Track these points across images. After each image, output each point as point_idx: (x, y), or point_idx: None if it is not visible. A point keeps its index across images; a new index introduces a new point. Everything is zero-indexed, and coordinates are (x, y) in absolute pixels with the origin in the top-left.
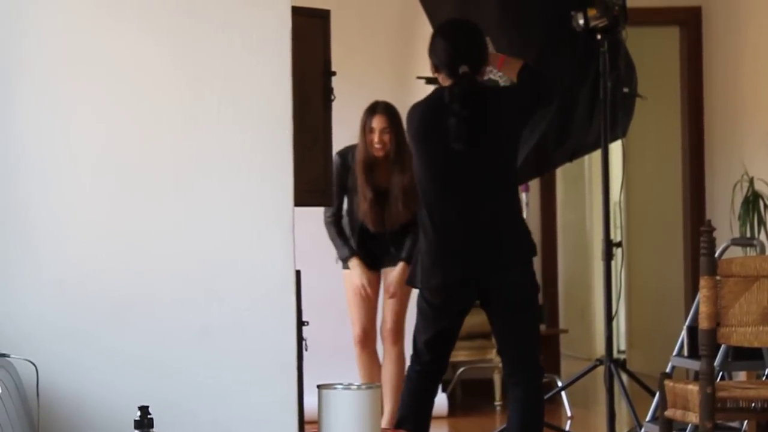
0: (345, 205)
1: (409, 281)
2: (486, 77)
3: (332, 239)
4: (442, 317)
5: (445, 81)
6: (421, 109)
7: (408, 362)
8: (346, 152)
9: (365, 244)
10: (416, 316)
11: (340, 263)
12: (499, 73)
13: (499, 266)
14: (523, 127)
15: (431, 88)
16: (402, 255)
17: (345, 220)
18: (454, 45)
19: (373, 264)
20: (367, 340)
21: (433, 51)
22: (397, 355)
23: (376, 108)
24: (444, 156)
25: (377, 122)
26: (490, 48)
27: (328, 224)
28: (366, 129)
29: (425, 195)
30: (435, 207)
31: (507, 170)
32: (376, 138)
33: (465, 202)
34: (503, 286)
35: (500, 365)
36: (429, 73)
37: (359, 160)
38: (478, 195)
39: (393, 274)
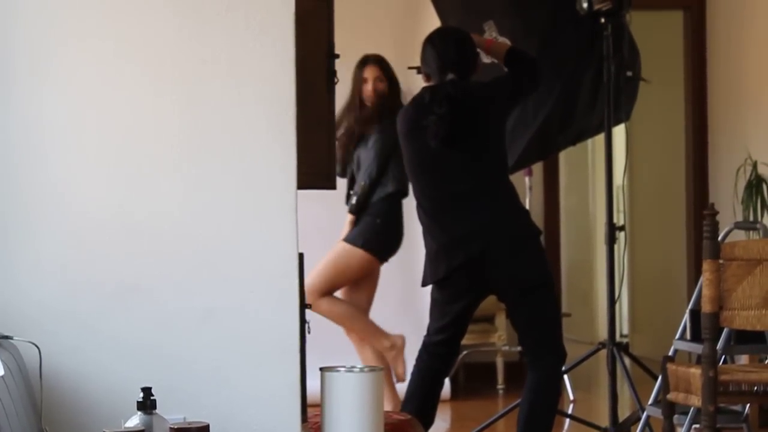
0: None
1: (423, 283)
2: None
3: None
4: (454, 305)
5: None
6: (407, 108)
7: (408, 341)
8: None
9: None
10: (429, 305)
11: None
12: (488, 61)
13: (502, 249)
14: (505, 118)
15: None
16: (347, 235)
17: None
18: (443, 54)
19: None
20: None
21: (423, 59)
22: (324, 314)
23: (367, 60)
24: (428, 152)
25: (369, 72)
26: (493, 33)
27: None
28: (358, 81)
29: (417, 192)
30: (427, 202)
31: (495, 161)
32: (369, 88)
33: (455, 194)
34: (513, 275)
35: (503, 349)
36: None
37: (346, 107)
38: (467, 187)
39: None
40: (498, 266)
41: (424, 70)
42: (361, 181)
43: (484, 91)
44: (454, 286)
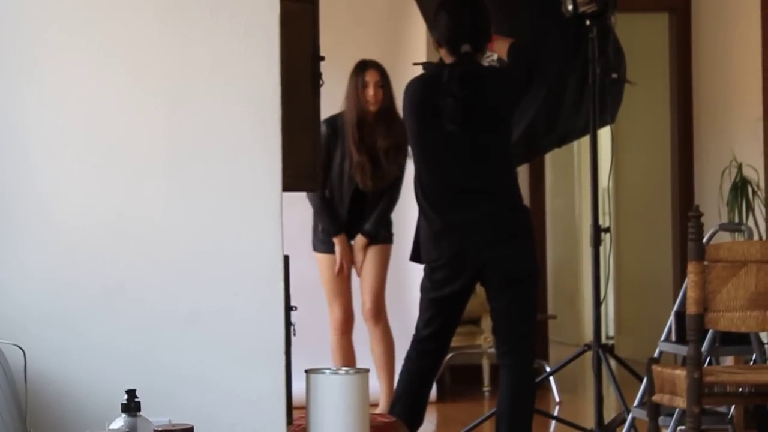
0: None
1: (412, 257)
2: (485, 62)
3: (319, 213)
4: (442, 293)
5: (446, 57)
6: (417, 86)
7: (395, 340)
8: (335, 119)
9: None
10: (420, 296)
11: (311, 246)
12: (495, 56)
13: (494, 240)
14: (516, 107)
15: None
16: (365, 226)
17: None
18: (457, 22)
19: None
20: (348, 324)
21: (435, 26)
22: (381, 334)
23: (367, 64)
24: (439, 135)
25: (371, 76)
26: None
27: (313, 196)
28: (358, 85)
29: (420, 172)
30: (431, 184)
31: (502, 150)
32: (371, 92)
33: (460, 179)
34: (501, 259)
35: (489, 351)
36: (421, 59)
37: (351, 119)
38: (472, 173)
39: (357, 248)
40: (487, 254)
41: (435, 37)
42: (376, 220)
43: (501, 76)
44: (442, 271)
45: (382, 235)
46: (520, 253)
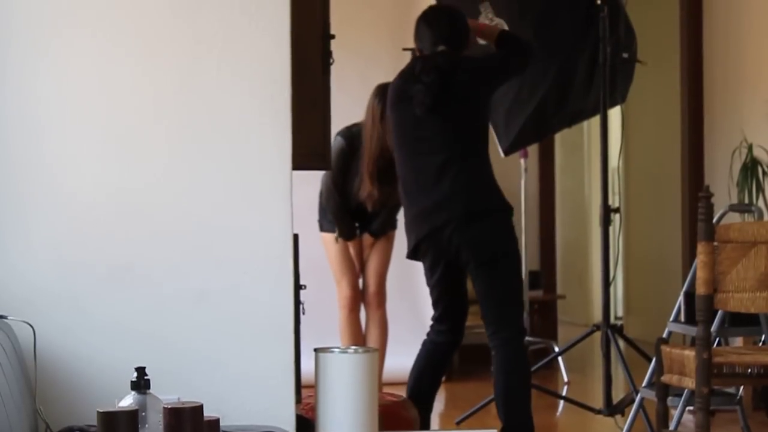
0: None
1: (408, 255)
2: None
3: (336, 217)
4: (433, 277)
5: None
6: (395, 81)
7: (405, 324)
8: (353, 135)
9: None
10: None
11: (318, 225)
12: (484, 42)
13: (464, 219)
14: (490, 94)
15: None
16: (372, 227)
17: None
18: (437, 31)
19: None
20: (356, 301)
21: (417, 36)
22: (380, 318)
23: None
24: (412, 121)
25: None
26: (489, 14)
27: (331, 201)
28: (382, 117)
29: (399, 165)
30: (406, 170)
31: (473, 135)
32: None
33: (431, 163)
34: (473, 242)
35: None
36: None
37: (370, 153)
38: (444, 157)
39: (365, 245)
40: (457, 237)
41: (417, 47)
42: (382, 222)
43: (472, 64)
44: (426, 257)
45: (385, 223)
46: (491, 234)
